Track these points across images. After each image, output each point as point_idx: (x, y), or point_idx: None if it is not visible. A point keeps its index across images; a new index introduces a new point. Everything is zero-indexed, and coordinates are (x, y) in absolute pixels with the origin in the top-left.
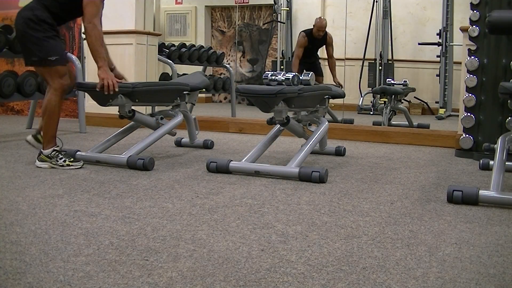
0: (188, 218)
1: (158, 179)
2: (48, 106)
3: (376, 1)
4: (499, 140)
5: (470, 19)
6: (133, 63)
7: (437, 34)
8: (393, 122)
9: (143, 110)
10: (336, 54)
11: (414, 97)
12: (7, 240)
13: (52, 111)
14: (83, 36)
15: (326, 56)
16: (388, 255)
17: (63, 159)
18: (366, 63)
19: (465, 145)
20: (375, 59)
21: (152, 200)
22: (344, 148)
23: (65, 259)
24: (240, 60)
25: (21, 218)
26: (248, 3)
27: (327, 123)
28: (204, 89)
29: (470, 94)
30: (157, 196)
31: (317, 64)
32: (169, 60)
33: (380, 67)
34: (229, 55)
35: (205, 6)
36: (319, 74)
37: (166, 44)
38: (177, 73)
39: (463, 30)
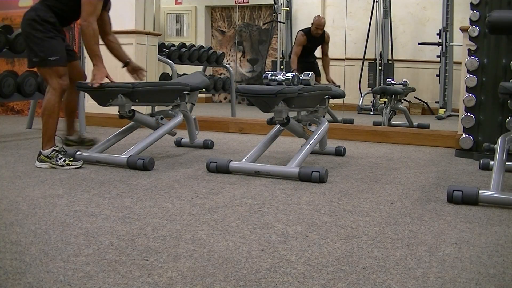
0: (188, 218)
1: (158, 179)
2: (47, 106)
3: (376, 1)
4: (499, 140)
5: (470, 19)
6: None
7: (437, 34)
8: (393, 122)
9: (143, 110)
10: (336, 54)
11: (414, 97)
12: (7, 240)
13: (51, 111)
14: None
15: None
16: (388, 255)
17: (63, 158)
18: (366, 63)
19: (465, 145)
20: (375, 59)
21: (152, 200)
22: (344, 148)
23: (65, 259)
24: (240, 60)
25: (21, 218)
26: (248, 3)
27: (327, 123)
28: (204, 89)
29: (470, 94)
30: (157, 196)
31: (315, 64)
32: (169, 60)
33: (380, 67)
34: (229, 55)
35: (205, 6)
36: (317, 74)
37: (166, 44)
38: (177, 73)
39: (463, 30)
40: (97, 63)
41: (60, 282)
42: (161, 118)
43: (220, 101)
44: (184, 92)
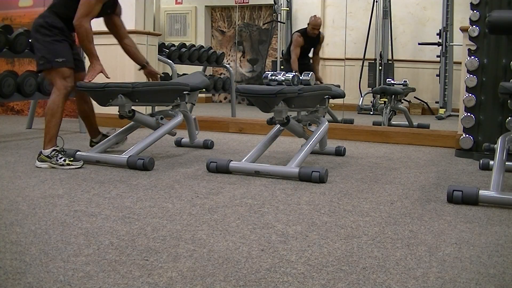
0: (188, 218)
1: (158, 179)
2: (50, 106)
3: (376, 1)
4: (499, 140)
5: (470, 19)
6: (133, 63)
7: (437, 34)
8: (393, 122)
9: (143, 110)
10: (336, 54)
11: (414, 97)
12: (7, 240)
13: (54, 112)
14: None
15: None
16: (388, 255)
17: (63, 158)
18: (366, 63)
19: (465, 145)
20: (375, 59)
21: (152, 200)
22: (344, 148)
23: (65, 259)
24: (240, 60)
25: (21, 218)
26: (248, 3)
27: (327, 123)
28: (204, 89)
29: (470, 94)
30: (157, 196)
31: (310, 65)
32: (169, 60)
33: (380, 67)
34: (229, 55)
35: (205, 6)
36: None
37: (166, 44)
38: (177, 73)
39: (463, 30)
40: (92, 60)
41: (60, 282)
42: (161, 118)
43: (220, 101)
44: (184, 92)
